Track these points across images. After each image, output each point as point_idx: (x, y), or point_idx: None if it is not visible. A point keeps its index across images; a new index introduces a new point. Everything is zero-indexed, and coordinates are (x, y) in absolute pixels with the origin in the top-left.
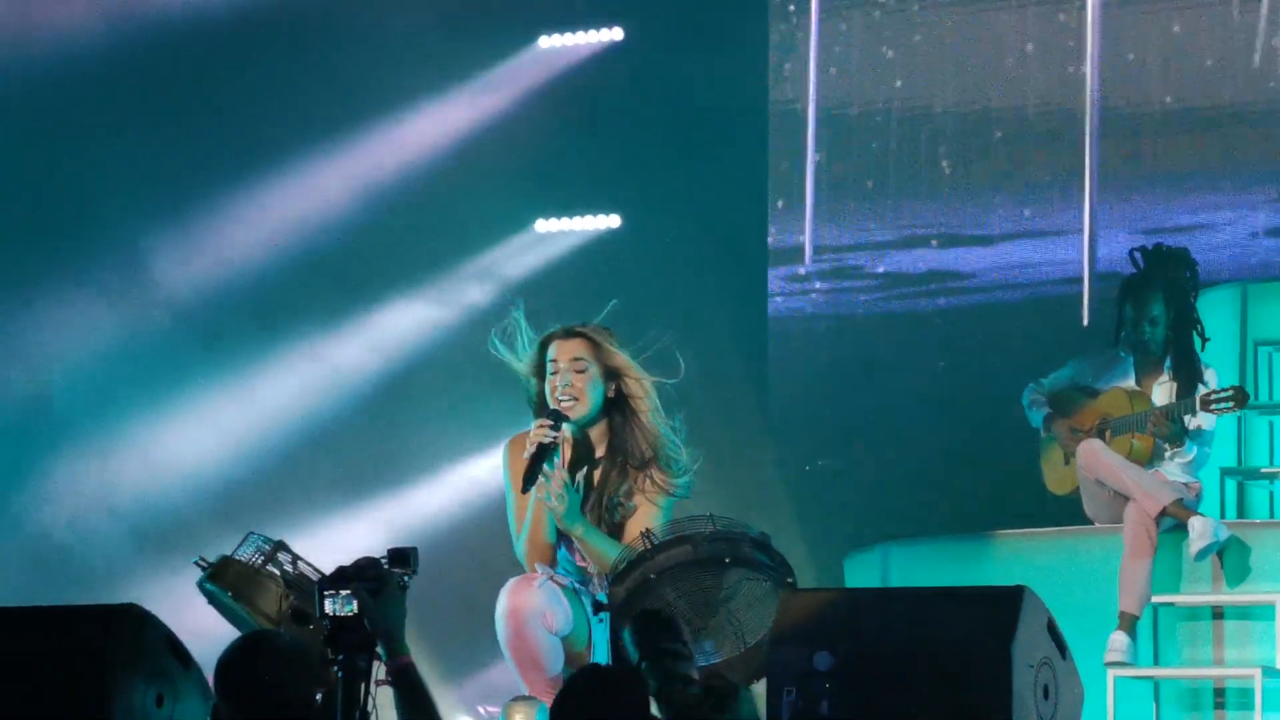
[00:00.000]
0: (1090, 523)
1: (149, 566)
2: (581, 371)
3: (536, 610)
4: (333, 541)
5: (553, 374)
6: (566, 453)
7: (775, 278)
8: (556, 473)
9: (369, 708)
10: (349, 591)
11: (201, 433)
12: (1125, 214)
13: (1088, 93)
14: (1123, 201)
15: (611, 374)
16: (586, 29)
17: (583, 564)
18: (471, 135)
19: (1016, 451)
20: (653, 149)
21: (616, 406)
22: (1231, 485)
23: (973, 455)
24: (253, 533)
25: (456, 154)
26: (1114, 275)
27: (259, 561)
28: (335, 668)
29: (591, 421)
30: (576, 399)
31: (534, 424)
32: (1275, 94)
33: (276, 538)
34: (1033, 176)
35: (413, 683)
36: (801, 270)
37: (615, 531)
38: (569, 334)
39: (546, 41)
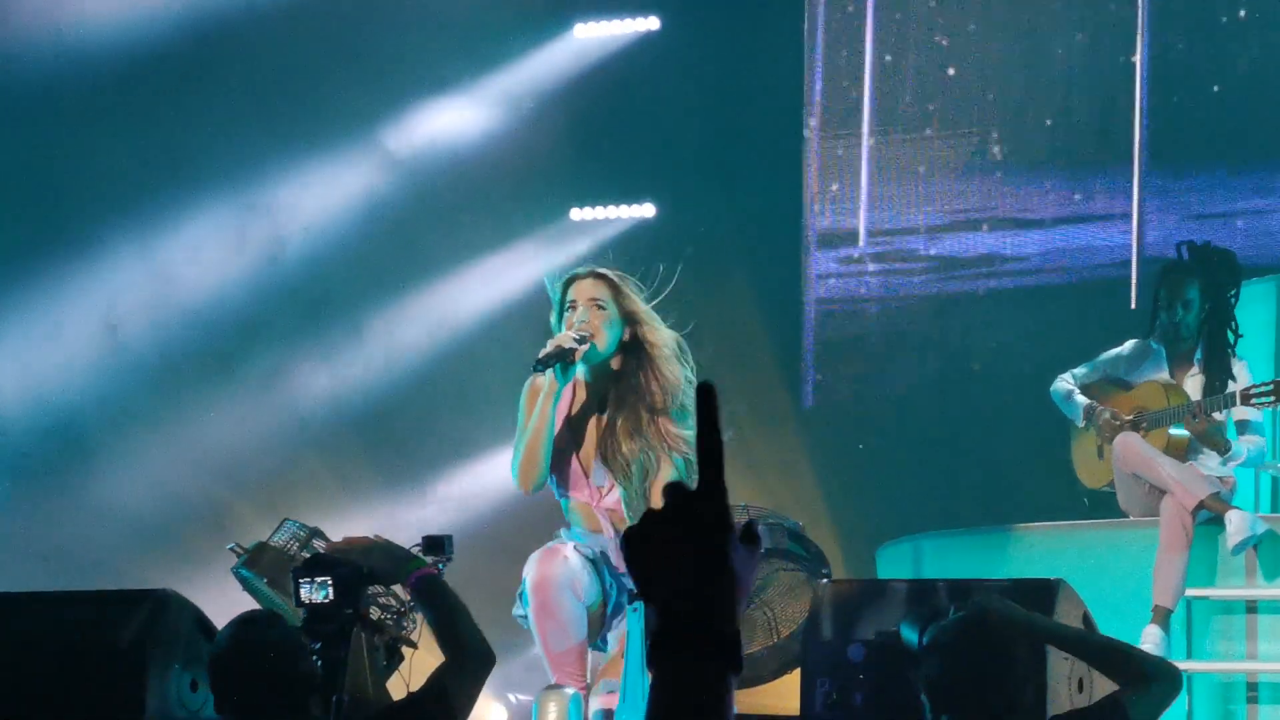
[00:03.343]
0: (1125, 516)
1: (183, 551)
2: (601, 309)
3: (566, 580)
4: (369, 528)
5: (570, 311)
6: (581, 394)
7: (828, 259)
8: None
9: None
10: (325, 578)
11: (239, 417)
12: (1174, 199)
13: (1137, 80)
14: (1171, 187)
15: (629, 318)
16: (622, 16)
17: (596, 530)
18: (505, 125)
19: (1056, 439)
20: (690, 138)
21: (632, 351)
22: (1266, 479)
23: (1013, 441)
24: (288, 519)
25: (491, 144)
26: (1162, 260)
27: (294, 548)
28: (314, 657)
29: (605, 361)
30: (593, 334)
31: (560, 333)
32: None
33: (312, 524)
34: (1083, 161)
35: (432, 592)
36: (855, 253)
37: (638, 483)
38: (591, 274)
39: (582, 30)
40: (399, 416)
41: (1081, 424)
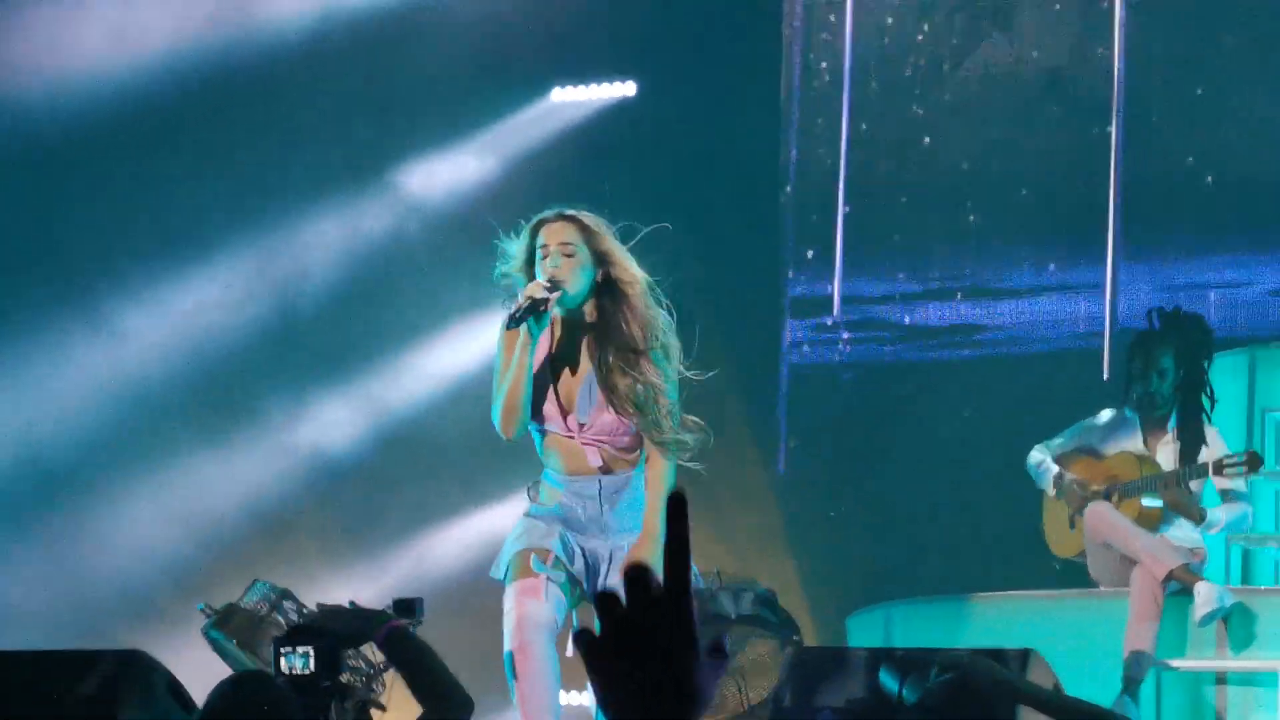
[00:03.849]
0: (1096, 586)
1: (153, 612)
2: (570, 255)
3: (548, 624)
4: (340, 591)
5: (542, 258)
6: (558, 331)
7: (803, 326)
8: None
9: None
10: (306, 648)
11: (211, 477)
12: (1147, 270)
13: (1112, 151)
14: (1145, 258)
15: (600, 259)
16: (600, 82)
17: (577, 469)
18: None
19: (1029, 509)
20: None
21: (606, 291)
22: (1237, 551)
23: (985, 510)
24: (258, 580)
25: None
26: (1134, 330)
27: (264, 609)
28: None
29: (579, 304)
30: (564, 280)
31: (531, 283)
32: None
33: (282, 586)
34: (1057, 231)
35: (403, 646)
36: (829, 320)
37: (652, 414)
38: (559, 217)
39: (559, 94)
40: (374, 478)
41: (1051, 493)
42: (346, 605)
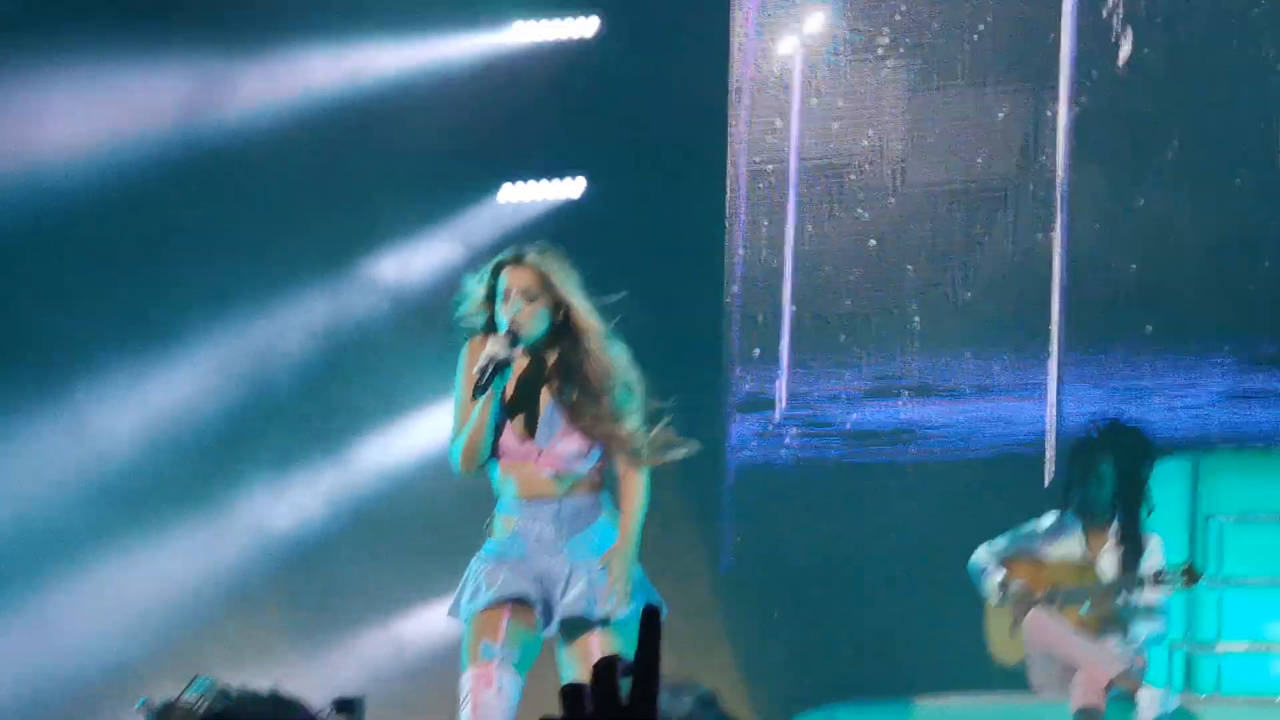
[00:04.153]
0: (1038, 692)
1: (95, 708)
2: (531, 300)
3: (503, 710)
4: (288, 685)
5: (503, 300)
6: (520, 366)
7: (747, 427)
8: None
9: None
10: None
11: (149, 572)
12: (1090, 375)
13: (1056, 256)
14: (1088, 363)
15: (560, 305)
16: (544, 179)
17: (535, 494)
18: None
19: (972, 612)
20: (612, 305)
21: (565, 334)
22: (1179, 658)
23: (929, 613)
24: (199, 676)
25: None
26: (1077, 435)
27: (203, 706)
28: None
29: (538, 342)
30: (524, 324)
31: (491, 338)
32: (1236, 259)
33: (224, 682)
34: (1002, 335)
35: None
36: (774, 420)
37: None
38: (520, 261)
39: (509, 192)
40: (318, 572)
41: (995, 600)
42: (265, 694)
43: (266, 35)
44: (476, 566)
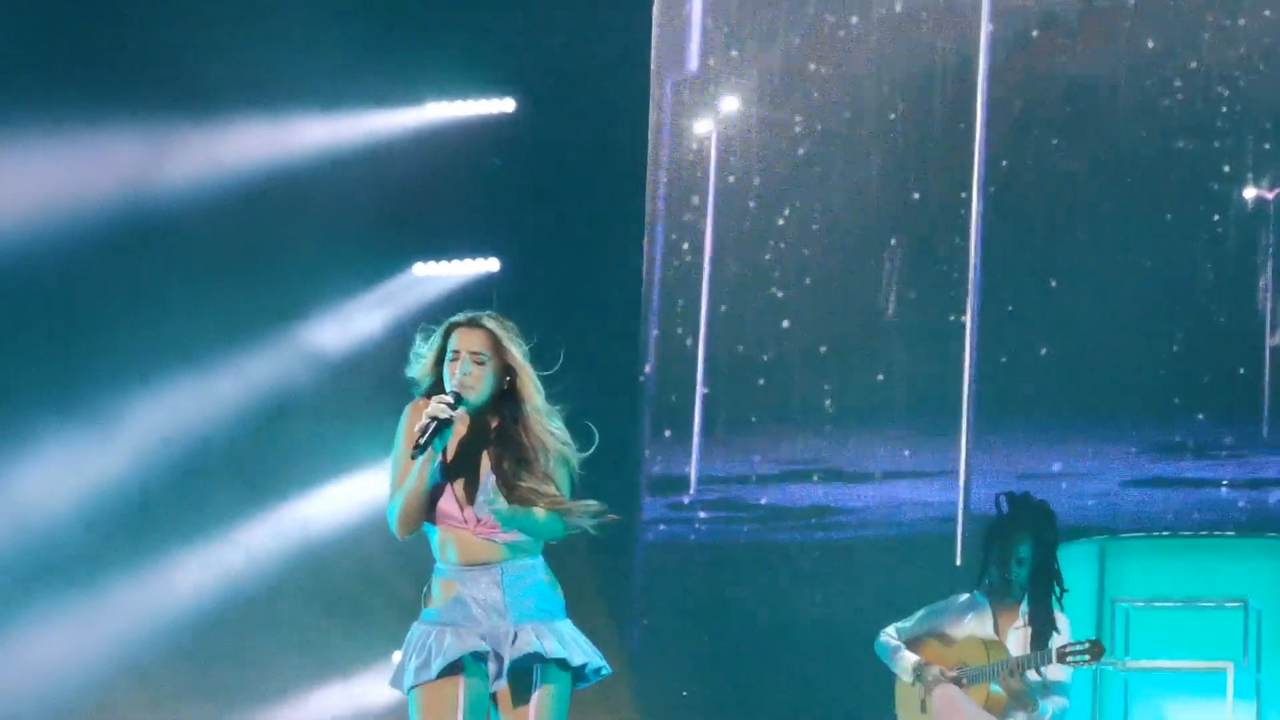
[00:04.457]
0: None
1: None
2: (481, 364)
3: None
4: None
5: (452, 360)
6: (460, 430)
7: (659, 506)
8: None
9: None
10: None
11: (45, 635)
12: (1000, 458)
13: (967, 339)
14: (997, 446)
15: (507, 370)
16: (462, 259)
17: (474, 560)
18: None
19: (882, 691)
20: None
21: (507, 401)
22: None
23: (839, 692)
24: None
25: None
26: (987, 516)
27: None
28: None
29: (481, 407)
30: (470, 388)
31: (434, 399)
32: (1145, 345)
33: None
34: (913, 417)
35: None
36: (686, 500)
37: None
38: (473, 324)
39: (421, 268)
40: (222, 645)
41: (909, 680)
42: None
43: (195, 108)
44: (420, 633)
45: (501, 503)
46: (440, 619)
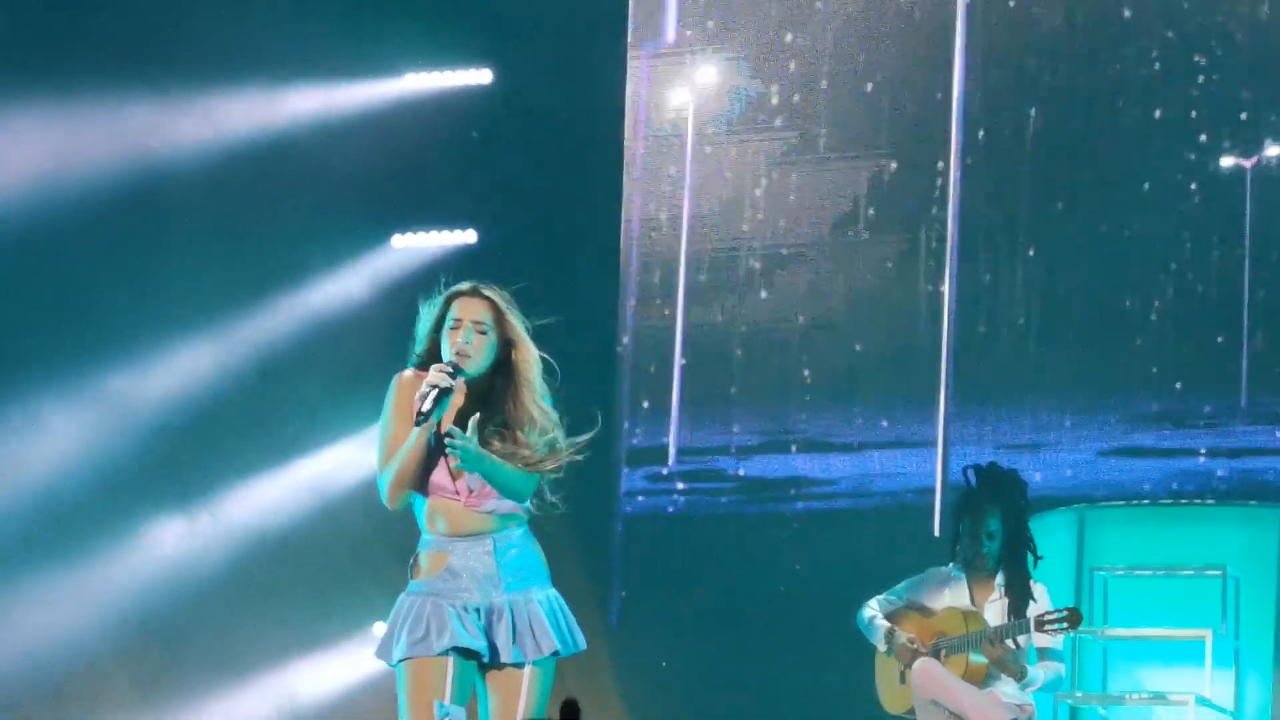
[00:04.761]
0: None
1: None
2: (482, 333)
3: None
4: None
5: (453, 328)
6: (458, 400)
7: (637, 477)
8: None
9: None
10: None
11: (29, 609)
12: (977, 429)
13: (945, 308)
14: (975, 415)
15: (507, 342)
16: (441, 229)
17: (461, 530)
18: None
19: (861, 662)
20: None
21: (501, 371)
22: (1065, 709)
23: (819, 663)
24: None
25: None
26: (962, 488)
27: None
28: None
29: (479, 379)
30: (471, 356)
31: (433, 368)
32: (1123, 315)
33: None
34: (890, 387)
35: None
36: (664, 471)
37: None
38: (475, 293)
39: (399, 240)
40: (199, 620)
41: (882, 649)
42: None
43: (175, 80)
44: (409, 604)
45: (466, 441)
46: (430, 590)
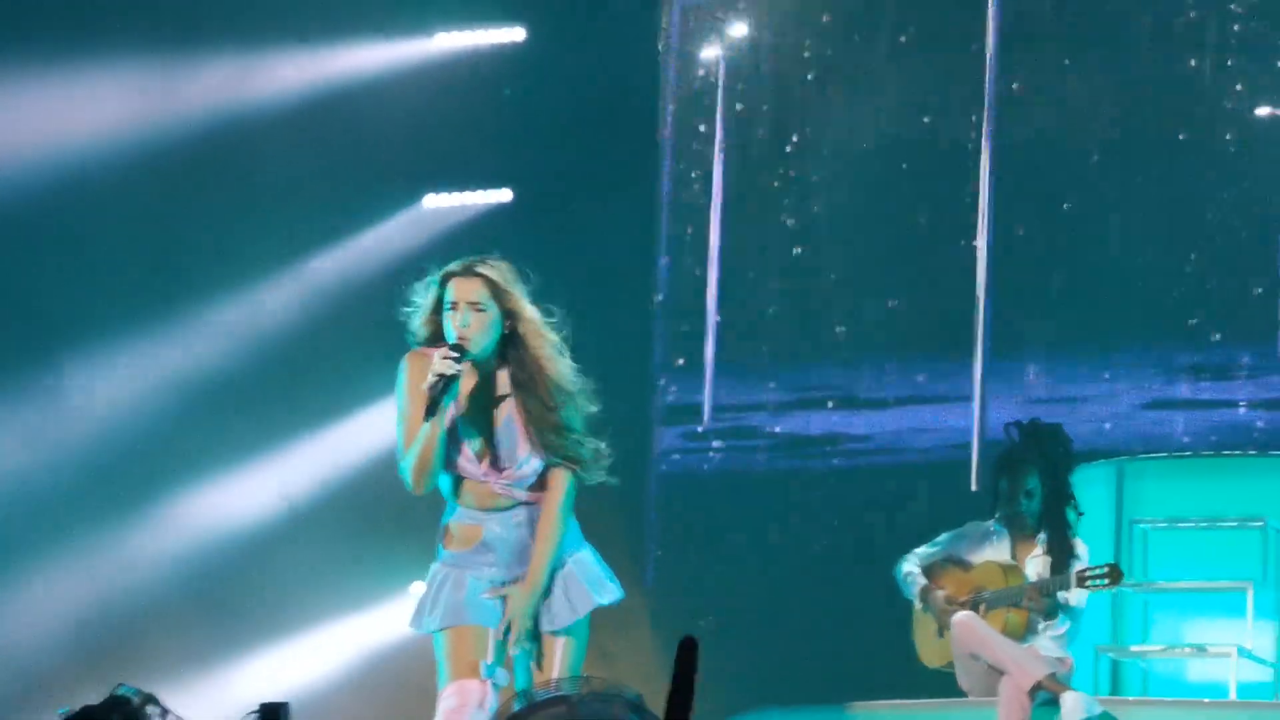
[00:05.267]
0: (965, 696)
1: (12, 718)
2: (480, 311)
3: None
4: (206, 694)
5: (451, 310)
6: (467, 383)
7: (672, 435)
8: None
9: None
10: None
11: (70, 578)
12: (1015, 383)
13: (980, 264)
14: (1012, 371)
15: (508, 314)
16: (475, 189)
17: (489, 506)
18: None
19: (900, 618)
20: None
21: (512, 343)
22: (1105, 662)
23: (856, 620)
24: (122, 684)
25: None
26: (1001, 443)
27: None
28: None
29: (489, 357)
30: (472, 337)
31: (437, 353)
32: (1160, 266)
33: (147, 690)
34: (925, 343)
35: None
36: (700, 429)
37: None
38: (468, 272)
39: (432, 199)
40: (237, 579)
41: (917, 605)
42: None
43: (203, 42)
44: (442, 575)
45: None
46: (461, 562)
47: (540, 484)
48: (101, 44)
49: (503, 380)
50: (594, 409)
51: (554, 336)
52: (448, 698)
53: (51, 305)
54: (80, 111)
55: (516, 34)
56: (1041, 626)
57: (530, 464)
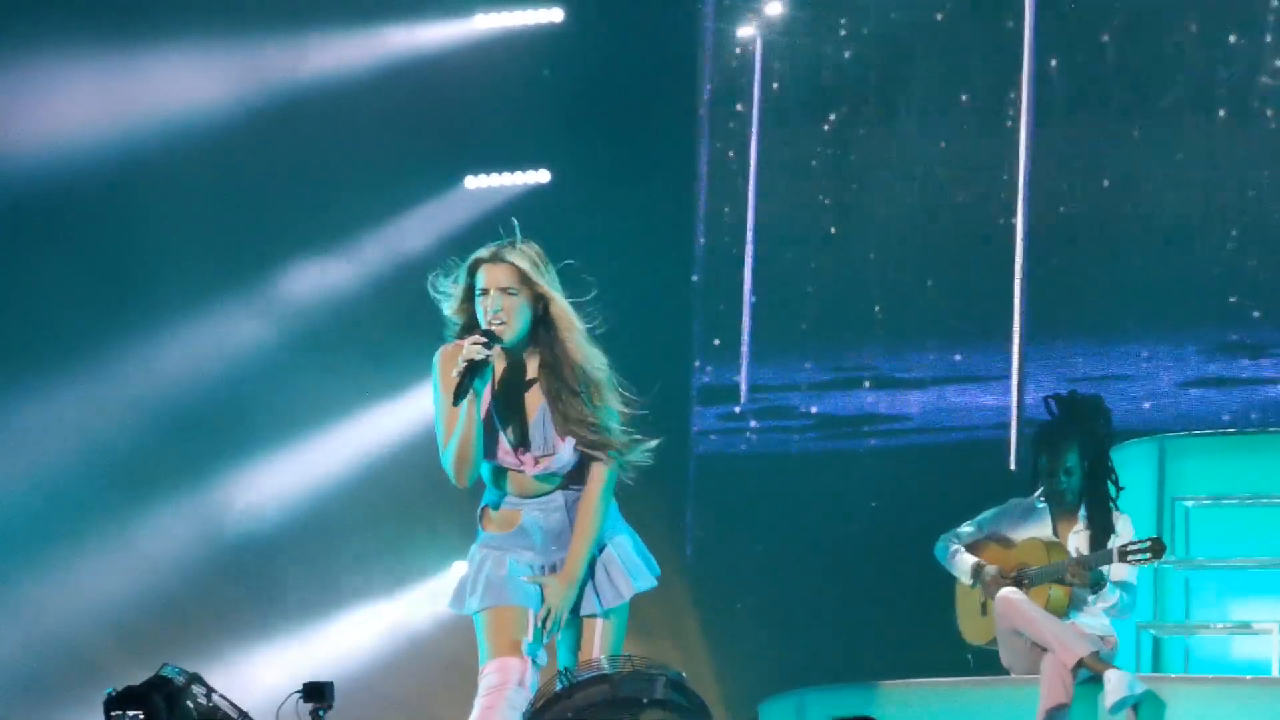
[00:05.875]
0: (1007, 672)
1: (59, 698)
2: (511, 296)
3: (522, 709)
4: (250, 673)
5: (482, 296)
6: (499, 372)
7: (709, 416)
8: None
9: None
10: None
11: (114, 560)
12: (1053, 362)
13: (1018, 243)
14: (1051, 350)
15: (539, 299)
16: (513, 170)
17: (526, 492)
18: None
19: (938, 597)
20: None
21: (544, 325)
22: (1148, 639)
23: (894, 599)
24: (167, 664)
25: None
26: (1040, 421)
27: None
28: None
29: (521, 343)
30: (505, 323)
31: (467, 340)
32: (1199, 244)
33: (191, 670)
34: (963, 322)
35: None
36: (736, 409)
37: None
38: (496, 258)
39: (472, 181)
40: (280, 560)
41: (969, 582)
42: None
43: (232, 26)
44: (481, 556)
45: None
46: (500, 544)
47: (579, 473)
48: (158, 28)
49: (533, 366)
50: (624, 394)
51: (582, 325)
52: (489, 675)
53: (104, 287)
54: (138, 91)
55: (555, 15)
56: (1091, 599)
57: (565, 453)
